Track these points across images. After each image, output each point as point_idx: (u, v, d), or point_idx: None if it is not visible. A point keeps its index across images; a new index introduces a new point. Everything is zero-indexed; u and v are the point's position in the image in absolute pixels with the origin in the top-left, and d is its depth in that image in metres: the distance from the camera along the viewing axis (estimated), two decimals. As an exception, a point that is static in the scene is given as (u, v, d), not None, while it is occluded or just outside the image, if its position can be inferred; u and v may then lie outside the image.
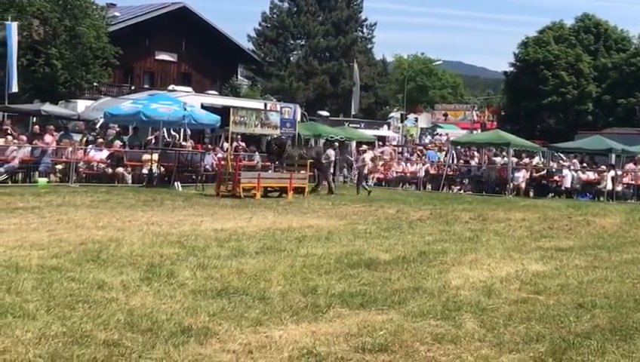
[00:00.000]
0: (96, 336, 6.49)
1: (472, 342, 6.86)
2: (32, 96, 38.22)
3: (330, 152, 28.10)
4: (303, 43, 70.98)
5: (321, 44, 68.54)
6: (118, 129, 30.77)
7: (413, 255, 11.84)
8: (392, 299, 8.50)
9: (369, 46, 74.26)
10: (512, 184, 30.38)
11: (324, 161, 27.15)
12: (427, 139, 59.87)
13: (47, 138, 26.52)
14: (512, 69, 67.68)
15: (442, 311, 7.98)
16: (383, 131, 53.35)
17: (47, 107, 30.91)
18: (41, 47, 38.73)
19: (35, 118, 33.86)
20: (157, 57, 56.24)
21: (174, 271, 9.46)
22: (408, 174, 33.92)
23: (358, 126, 50.09)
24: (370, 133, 44.58)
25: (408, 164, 34.89)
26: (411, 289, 9.12)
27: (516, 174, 30.97)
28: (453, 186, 32.24)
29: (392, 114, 71.43)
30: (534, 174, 31.57)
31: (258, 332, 6.88)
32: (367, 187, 28.01)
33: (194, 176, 26.70)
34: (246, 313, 7.57)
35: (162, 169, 26.23)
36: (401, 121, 63.10)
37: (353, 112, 58.44)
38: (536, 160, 34.13)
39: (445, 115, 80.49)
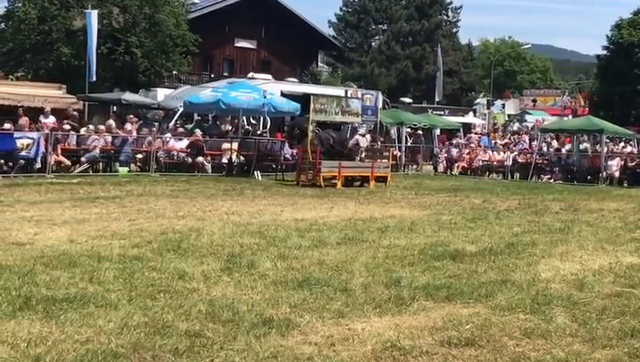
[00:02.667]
0: (178, 327, 6.60)
1: (564, 337, 6.75)
2: (112, 85, 39.08)
3: (360, 139, 27.34)
4: (385, 28, 70.63)
5: (403, 29, 68.06)
6: (198, 118, 31.23)
7: (501, 246, 11.69)
8: (479, 291, 8.41)
9: (454, 30, 73.46)
10: (605, 173, 29.70)
11: (351, 148, 26.26)
12: (515, 126, 58.99)
13: (128, 127, 27.07)
14: (605, 52, 65.92)
15: (531, 304, 7.86)
16: (469, 118, 52.81)
17: (127, 96, 31.51)
18: (120, 36, 39.44)
19: (115, 107, 34.65)
20: (236, 44, 56.78)
21: (255, 262, 9.55)
22: (495, 163, 33.49)
23: (442, 113, 49.64)
24: (454, 120, 44.19)
25: (495, 152, 34.44)
26: (499, 282, 9.01)
27: (609, 162, 30.24)
28: (542, 175, 31.69)
29: (478, 100, 70.67)
30: (629, 163, 30.78)
31: (340, 325, 6.90)
32: None
33: (274, 165, 26.90)
34: (328, 305, 7.59)
35: (242, 158, 26.49)
36: (488, 108, 62.37)
37: (437, 99, 57.98)
38: (630, 147, 33.29)
39: (534, 100, 79.10)
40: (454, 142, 37.03)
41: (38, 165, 22.48)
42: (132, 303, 7.36)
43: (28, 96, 28.77)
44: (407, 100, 50.60)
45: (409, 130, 36.15)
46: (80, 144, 24.68)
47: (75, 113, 28.82)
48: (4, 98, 27.84)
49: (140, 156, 25.81)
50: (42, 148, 22.38)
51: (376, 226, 13.69)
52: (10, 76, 40.14)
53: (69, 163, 23.83)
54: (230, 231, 12.29)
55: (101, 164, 25.21)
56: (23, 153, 22.08)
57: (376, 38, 71.89)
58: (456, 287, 8.57)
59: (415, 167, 34.38)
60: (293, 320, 6.96)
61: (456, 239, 12.38)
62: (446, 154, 34.70)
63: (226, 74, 52.55)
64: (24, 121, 25.31)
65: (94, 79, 33.52)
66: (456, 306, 7.77)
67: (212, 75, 51.17)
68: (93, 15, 33.81)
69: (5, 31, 40.39)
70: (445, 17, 72.52)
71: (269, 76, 40.47)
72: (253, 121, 30.37)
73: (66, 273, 8.52)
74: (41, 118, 26.56)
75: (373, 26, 71.27)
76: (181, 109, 30.54)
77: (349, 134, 27.45)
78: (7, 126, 23.62)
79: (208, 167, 26.17)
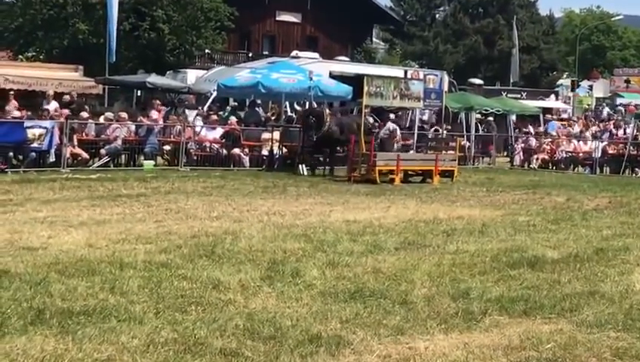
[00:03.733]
0: (212, 344, 6.66)
1: (662, 360, 6.68)
2: (135, 66, 39.39)
3: (391, 126, 27.04)
4: (451, -3, 70.30)
5: (473, -2, 67.68)
6: (234, 103, 31.39)
7: (588, 252, 11.61)
8: (562, 305, 8.36)
9: (532, -1, 72.81)
10: None
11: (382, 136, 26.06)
12: (605, 111, 58.31)
13: (154, 114, 27.26)
14: None
15: (624, 320, 7.79)
16: (550, 102, 52.33)
17: (153, 78, 31.71)
18: (145, 9, 39.74)
19: (139, 92, 34.97)
20: (278, 18, 56.95)
21: (300, 270, 9.59)
22: (581, 154, 33.13)
23: (519, 96, 49.23)
24: (533, 104, 43.82)
25: (581, 142, 34.08)
26: (585, 293, 8.94)
27: None
28: (637, 169, 31.28)
29: (560, 81, 69.96)
30: None
31: (399, 343, 6.90)
32: None
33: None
34: (385, 320, 7.59)
35: (285, 150, 26.56)
36: (572, 90, 61.76)
37: (513, 80, 57.54)
38: None
39: (627, 81, 78.05)
40: (531, 130, 36.76)
41: (52, 158, 22.72)
42: (159, 317, 7.44)
43: (40, 79, 29.15)
44: (478, 82, 50.29)
45: (479, 116, 35.92)
46: (99, 134, 24.91)
47: (73, 96, 28.74)
48: (13, 82, 28.22)
49: (167, 148, 25.97)
50: (56, 139, 22.62)
51: (441, 229, 13.67)
52: (20, 56, 40.77)
53: (86, 156, 24.03)
54: (271, 234, 12.35)
55: (123, 156, 25.43)
56: (35, 145, 22.33)
57: (441, 9, 71.50)
58: (536, 300, 8.53)
59: (487, 159, 34.16)
60: (344, 337, 6.98)
61: (535, 244, 12.30)
62: (523, 145, 34.41)
63: (266, 52, 52.78)
64: (12, 105, 25.60)
65: (115, 59, 33.81)
66: (535, 322, 7.72)
67: (250, 54, 51.40)
68: (114, -14, 34.12)
69: (14, 4, 40.88)
70: (522, -16, 71.87)
71: (316, 55, 40.52)
72: (297, 107, 30.45)
73: (83, 282, 8.64)
74: (43, 104, 26.49)
75: (438, -5, 70.94)
76: (214, 94, 30.74)
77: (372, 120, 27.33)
78: (16, 114, 23.95)
79: (246, 160, 26.25)
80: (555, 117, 43.50)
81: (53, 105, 26.35)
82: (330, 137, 24.45)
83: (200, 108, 31.00)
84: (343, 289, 8.72)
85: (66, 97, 28.66)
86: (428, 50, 64.52)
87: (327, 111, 24.89)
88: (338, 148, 25.80)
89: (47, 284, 8.44)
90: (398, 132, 26.66)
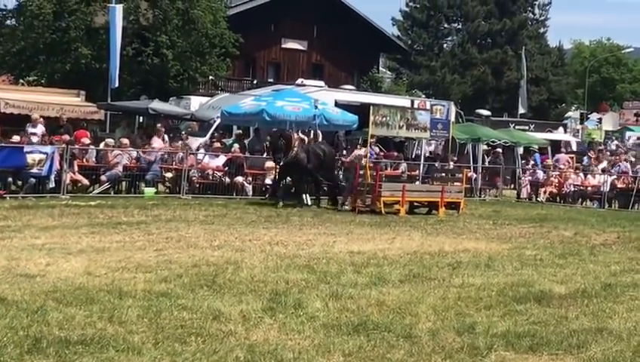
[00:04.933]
0: (211, 376, 6.65)
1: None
2: (138, 92, 39.50)
3: (359, 153, 25.93)
4: (459, 27, 70.47)
5: (481, 28, 67.81)
6: (238, 131, 31.43)
7: (596, 288, 11.61)
8: (569, 341, 8.34)
9: (541, 30, 72.93)
10: None
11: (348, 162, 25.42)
12: (613, 145, 58.34)
13: (156, 141, 27.31)
14: None
15: (632, 357, 7.79)
16: (558, 134, 52.34)
17: (156, 104, 31.85)
18: (149, 34, 39.88)
19: (141, 118, 35.04)
20: (284, 46, 57.19)
21: (302, 301, 9.58)
22: (589, 188, 33.12)
23: (527, 128, 49.28)
24: (541, 136, 43.84)
25: (589, 176, 34.08)
26: (593, 330, 8.93)
27: None
28: (646, 204, 31.23)
29: (569, 113, 70.07)
30: None
31: (403, 378, 6.88)
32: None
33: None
34: (388, 353, 7.58)
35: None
36: (581, 122, 61.84)
37: (521, 111, 57.62)
38: None
39: (637, 114, 78.21)
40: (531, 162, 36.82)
41: (52, 184, 22.75)
42: (158, 348, 7.43)
43: (41, 104, 29.21)
44: (485, 113, 50.33)
45: (486, 147, 35.94)
46: (100, 160, 24.96)
47: (63, 120, 28.68)
48: (13, 106, 28.29)
49: (169, 175, 26.01)
50: (56, 165, 22.67)
51: (446, 262, 13.67)
52: (22, 81, 40.88)
53: (86, 182, 24.10)
54: (274, 264, 12.35)
55: (124, 183, 25.47)
56: (35, 170, 22.34)
57: (449, 39, 71.69)
58: (542, 336, 8.51)
59: (493, 191, 34.15)
60: (347, 371, 6.96)
61: (542, 278, 12.30)
62: (530, 177, 34.41)
63: (271, 80, 52.95)
64: (40, 127, 25.71)
65: (117, 85, 33.93)
66: (542, 358, 7.71)
67: (255, 81, 51.58)
68: (118, 10, 34.27)
69: (16, 28, 41.04)
70: (531, 15, 72.07)
71: (322, 83, 40.59)
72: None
73: (81, 311, 8.64)
74: (28, 128, 26.38)
75: (446, 25, 71.10)
76: (218, 121, 30.78)
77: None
78: (16, 138, 24.01)
79: (249, 188, 26.28)
80: (563, 150, 43.41)
81: (40, 129, 26.26)
82: (297, 165, 23.78)
83: (205, 138, 31.00)
84: (347, 322, 8.71)
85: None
86: (435, 80, 64.65)
87: (296, 135, 24.43)
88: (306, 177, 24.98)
89: (45, 313, 8.44)
90: (364, 158, 25.29)
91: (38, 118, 27.09)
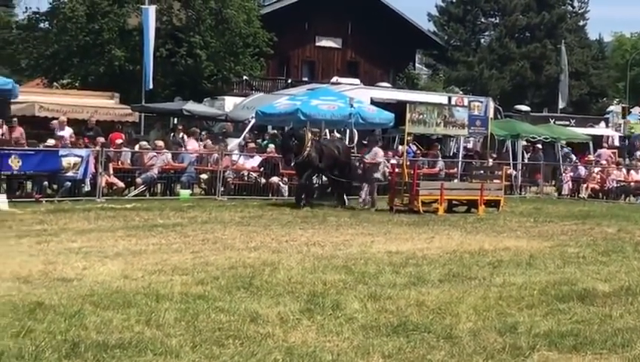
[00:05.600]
0: (250, 379, 6.67)
1: None
2: (172, 93, 39.66)
3: (377, 151, 25.02)
4: (496, 21, 70.13)
5: (519, 22, 67.42)
6: (272, 131, 31.49)
7: (641, 286, 11.51)
8: (614, 340, 8.28)
9: (581, 23, 72.43)
10: None
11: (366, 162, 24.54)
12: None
13: (191, 143, 27.42)
14: None
15: (680, 357, 7.71)
16: (600, 129, 51.96)
17: (190, 105, 31.97)
18: (182, 35, 40.04)
19: (175, 119, 35.18)
20: (318, 44, 57.15)
21: (341, 302, 9.58)
22: (632, 184, 32.85)
23: (568, 123, 48.92)
24: (582, 131, 43.53)
25: (632, 171, 33.79)
26: (638, 328, 8.88)
27: None
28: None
29: (610, 107, 69.42)
30: None
31: (444, 379, 6.87)
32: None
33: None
34: (429, 355, 7.56)
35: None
36: (623, 117, 61.19)
37: (561, 106, 57.21)
38: None
39: (681, 107, 77.43)
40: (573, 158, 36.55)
41: (87, 187, 22.93)
42: (196, 351, 7.46)
43: (75, 107, 29.42)
44: (524, 108, 50.05)
45: (526, 143, 35.74)
46: (135, 162, 25.09)
47: (92, 122, 28.75)
48: (48, 110, 28.51)
49: (204, 177, 26.12)
50: (92, 168, 22.84)
51: (486, 261, 13.61)
52: (55, 83, 41.22)
53: (122, 185, 24.26)
54: (311, 265, 12.36)
55: (159, 186, 25.59)
56: (70, 173, 22.54)
57: (486, 33, 71.37)
58: (586, 335, 8.46)
59: (534, 188, 33.97)
60: (386, 372, 6.96)
61: (585, 276, 12.21)
62: (572, 173, 34.18)
63: (305, 79, 52.93)
64: (67, 129, 25.84)
65: (151, 86, 34.10)
66: (585, 358, 7.66)
67: (289, 81, 51.57)
68: (151, 11, 34.43)
69: (49, 31, 41.36)
70: (570, 8, 71.58)
71: (357, 81, 40.59)
72: (337, 135, 30.48)
73: (119, 314, 8.70)
74: (56, 130, 26.52)
75: (483, 20, 70.80)
76: (253, 121, 30.85)
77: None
78: (51, 142, 24.20)
79: (285, 188, 26.31)
80: (605, 145, 43.03)
81: (67, 132, 26.43)
82: (309, 164, 23.52)
83: (240, 138, 31.06)
84: (386, 323, 8.70)
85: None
86: (473, 76, 64.35)
87: (309, 135, 24.10)
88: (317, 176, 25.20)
89: (82, 316, 8.50)
90: (380, 155, 24.83)
91: (64, 120, 27.26)
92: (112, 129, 29.09)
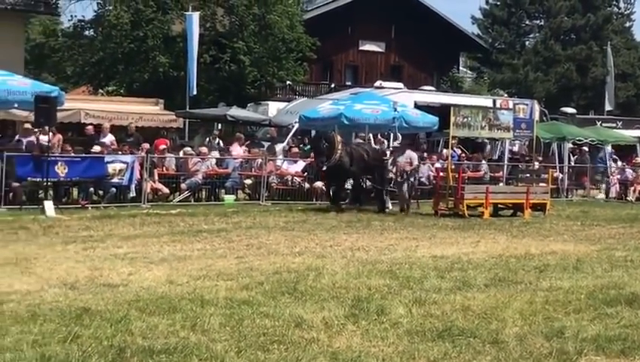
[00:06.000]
0: (295, 384, 6.68)
1: None
2: (216, 99, 39.87)
3: (412, 155, 24.14)
4: (541, 23, 69.73)
5: (564, 24, 67.01)
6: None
7: (690, 289, 11.37)
8: (663, 345, 8.21)
9: (627, 24, 71.82)
10: None
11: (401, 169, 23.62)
12: None
13: (235, 148, 27.52)
14: None
15: None
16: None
17: (234, 111, 32.11)
18: (226, 41, 40.26)
19: (219, 125, 35.35)
20: (361, 48, 57.14)
21: (385, 307, 9.57)
22: (682, 186, 32.49)
23: (614, 125, 48.53)
24: (629, 133, 43.14)
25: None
26: (688, 333, 8.77)
27: None
28: None
29: (658, 109, 68.79)
30: None
31: (490, 384, 6.84)
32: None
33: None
34: (475, 360, 7.54)
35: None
36: (672, 118, 60.50)
37: (607, 108, 56.75)
38: None
39: None
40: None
41: (133, 193, 23.08)
42: (241, 356, 7.49)
43: (119, 113, 29.63)
44: (570, 110, 49.65)
45: (572, 146, 35.48)
46: (180, 168, 25.23)
47: (132, 129, 28.76)
48: (93, 116, 28.74)
49: (248, 182, 26.20)
50: (137, 174, 22.99)
51: (533, 265, 13.54)
52: (100, 91, 41.62)
53: (167, 191, 24.38)
54: (355, 270, 12.35)
55: (204, 191, 25.71)
56: (115, 180, 22.70)
57: (531, 36, 70.97)
58: (634, 339, 8.38)
59: (580, 191, 33.72)
60: (432, 377, 6.95)
61: (633, 280, 12.12)
62: (619, 176, 33.88)
63: (349, 83, 52.94)
64: (109, 136, 26.05)
65: (195, 92, 34.30)
66: (634, 363, 7.59)
67: (332, 85, 51.63)
68: (195, 18, 34.65)
69: (95, 39, 41.77)
70: (616, 9, 70.99)
71: (401, 85, 40.56)
72: (381, 139, 30.46)
73: (164, 319, 8.75)
74: (101, 137, 26.57)
75: (527, 22, 70.40)
76: (296, 126, 30.93)
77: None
78: (96, 148, 24.40)
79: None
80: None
81: (108, 139, 26.51)
82: (340, 168, 23.22)
83: (284, 143, 31.13)
84: (431, 328, 8.68)
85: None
86: (517, 79, 64.01)
87: (339, 138, 23.80)
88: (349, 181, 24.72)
89: (128, 322, 8.57)
90: (416, 161, 24.06)
91: (107, 127, 27.46)
92: (156, 135, 29.26)
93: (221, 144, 28.72)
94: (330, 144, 23.11)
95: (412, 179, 23.85)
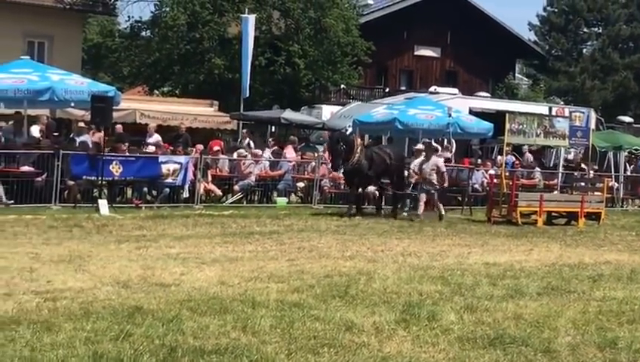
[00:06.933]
0: (345, 388, 6.69)
1: None
2: (270, 102, 40.02)
3: (438, 161, 23.22)
4: (599, 31, 69.11)
5: (623, 32, 66.34)
6: (370, 140, 31.52)
7: None
8: None
9: (686, 32, 71.01)
10: None
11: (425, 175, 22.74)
12: None
13: (289, 151, 27.60)
14: None
15: None
16: None
17: (288, 114, 32.20)
18: (281, 44, 40.40)
19: (273, 127, 35.46)
20: (416, 53, 57.03)
21: (436, 313, 9.54)
22: None
23: (672, 135, 48.03)
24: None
25: None
26: None
27: None
28: None
29: None
30: None
31: (541, 393, 6.79)
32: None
33: (460, 198, 26.75)
34: (526, 368, 7.49)
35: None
36: None
37: (665, 118, 56.10)
38: None
39: None
40: None
41: (186, 194, 23.22)
42: (291, 358, 7.51)
43: (174, 114, 29.87)
44: (627, 119, 49.13)
45: (628, 155, 35.10)
46: (233, 170, 25.34)
47: (182, 129, 28.94)
48: (148, 117, 28.99)
49: (301, 185, 26.26)
50: (190, 175, 23.12)
51: (586, 274, 13.43)
52: (156, 91, 41.99)
53: (219, 192, 24.53)
54: (407, 275, 12.33)
55: (256, 193, 25.80)
56: (169, 180, 22.86)
57: (589, 43, 70.35)
58: (689, 352, 8.28)
59: (637, 201, 33.34)
60: (483, 385, 6.91)
61: (689, 292, 11.95)
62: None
63: (403, 88, 52.89)
64: (155, 136, 26.25)
65: (249, 95, 34.46)
66: (688, 376, 7.50)
67: (387, 90, 51.62)
68: (251, 20, 34.74)
69: (151, 40, 42.13)
70: (676, 17, 70.15)
71: (455, 90, 40.31)
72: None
73: (216, 320, 8.80)
74: (147, 138, 26.98)
75: (585, 30, 69.79)
76: (350, 130, 30.92)
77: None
78: (151, 149, 24.60)
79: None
80: None
81: (154, 139, 26.80)
82: (359, 172, 22.60)
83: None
84: (482, 335, 8.64)
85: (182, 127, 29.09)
86: (574, 86, 63.48)
87: (359, 140, 23.48)
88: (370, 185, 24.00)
89: (180, 322, 8.62)
90: (443, 168, 23.11)
91: (154, 127, 27.69)
92: (211, 136, 29.43)
93: (251, 145, 28.70)
94: (348, 146, 22.55)
95: (438, 187, 22.72)
